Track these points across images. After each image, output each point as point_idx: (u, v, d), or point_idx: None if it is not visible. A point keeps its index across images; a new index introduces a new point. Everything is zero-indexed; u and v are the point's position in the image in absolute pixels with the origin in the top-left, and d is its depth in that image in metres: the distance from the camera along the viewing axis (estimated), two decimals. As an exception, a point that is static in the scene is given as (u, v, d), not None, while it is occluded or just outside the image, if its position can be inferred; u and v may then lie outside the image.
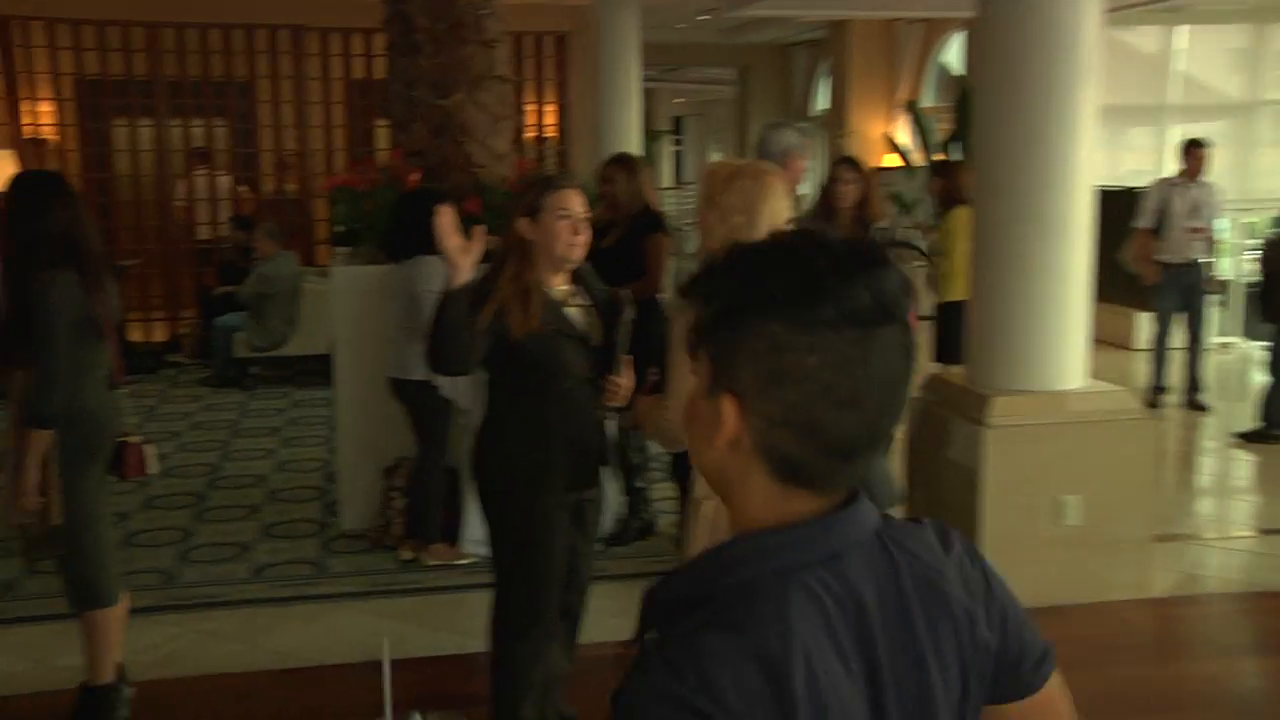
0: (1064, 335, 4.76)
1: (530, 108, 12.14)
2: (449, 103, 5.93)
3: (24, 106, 11.02)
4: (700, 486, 3.00)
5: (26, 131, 11.00)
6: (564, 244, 3.23)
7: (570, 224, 3.23)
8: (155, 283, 11.14)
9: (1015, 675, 1.22)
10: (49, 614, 4.23)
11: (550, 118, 12.39)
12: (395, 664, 2.70)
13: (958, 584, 1.18)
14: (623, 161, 5.47)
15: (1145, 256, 8.11)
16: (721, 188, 2.95)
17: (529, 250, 3.23)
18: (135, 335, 10.41)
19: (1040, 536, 4.70)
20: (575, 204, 3.26)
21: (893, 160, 12.96)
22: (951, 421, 4.86)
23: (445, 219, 3.04)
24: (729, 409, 1.10)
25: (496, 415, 3.34)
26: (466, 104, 5.96)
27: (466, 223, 3.37)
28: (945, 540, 1.21)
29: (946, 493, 4.88)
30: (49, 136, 11.17)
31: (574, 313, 3.32)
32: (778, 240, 1.13)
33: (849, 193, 5.15)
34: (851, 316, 1.05)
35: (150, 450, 3.83)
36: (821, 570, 1.09)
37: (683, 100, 23.62)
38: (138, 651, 4.14)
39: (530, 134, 11.92)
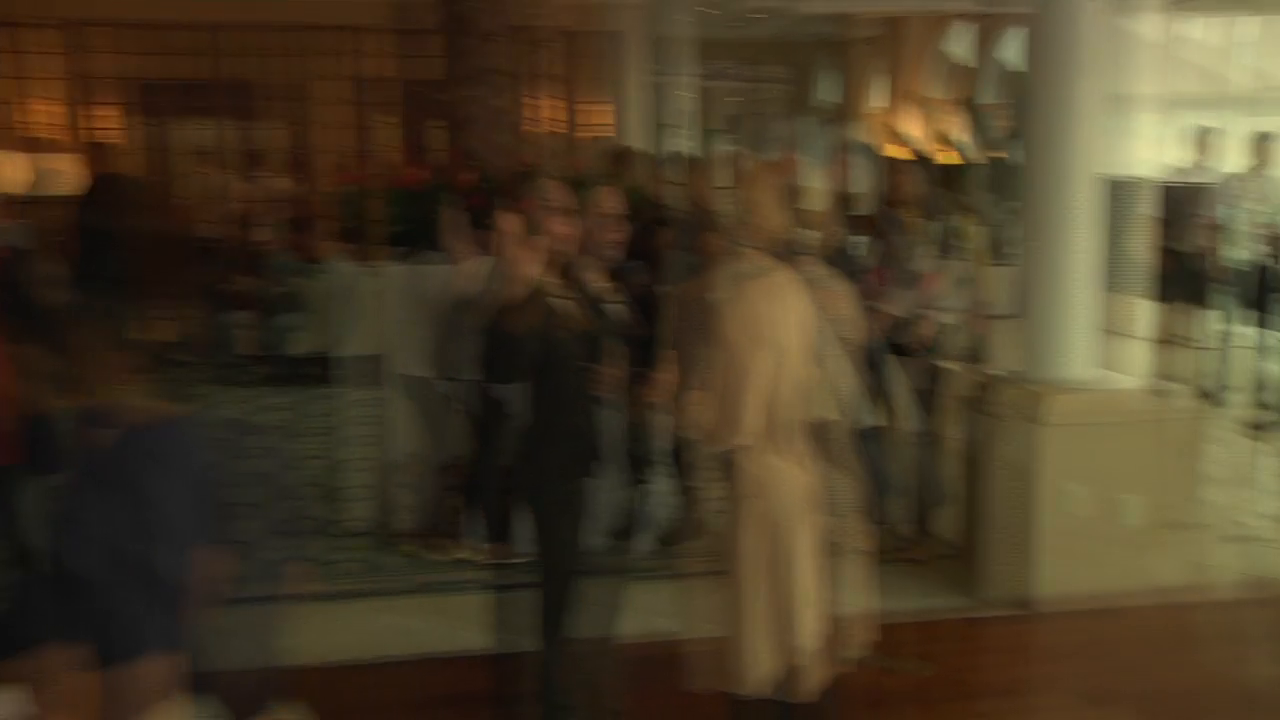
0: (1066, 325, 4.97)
1: (581, 107, 12.16)
2: (455, 98, 5.85)
3: (86, 111, 11.19)
4: (744, 485, 2.96)
5: (88, 136, 11.17)
6: (558, 239, 3.18)
7: (562, 218, 3.18)
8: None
9: None
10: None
11: (603, 117, 12.40)
12: (440, 662, 2.69)
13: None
14: (619, 155, 5.34)
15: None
16: (743, 186, 2.92)
17: (533, 245, 3.18)
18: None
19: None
20: (561, 198, 3.21)
21: (951, 158, 12.79)
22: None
23: (509, 227, 2.99)
24: None
25: (537, 413, 3.32)
26: (472, 99, 5.88)
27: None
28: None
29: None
30: (112, 140, 11.34)
31: (607, 308, 3.29)
32: None
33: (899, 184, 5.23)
34: None
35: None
36: None
37: (738, 99, 23.52)
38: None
39: (582, 133, 11.92)
